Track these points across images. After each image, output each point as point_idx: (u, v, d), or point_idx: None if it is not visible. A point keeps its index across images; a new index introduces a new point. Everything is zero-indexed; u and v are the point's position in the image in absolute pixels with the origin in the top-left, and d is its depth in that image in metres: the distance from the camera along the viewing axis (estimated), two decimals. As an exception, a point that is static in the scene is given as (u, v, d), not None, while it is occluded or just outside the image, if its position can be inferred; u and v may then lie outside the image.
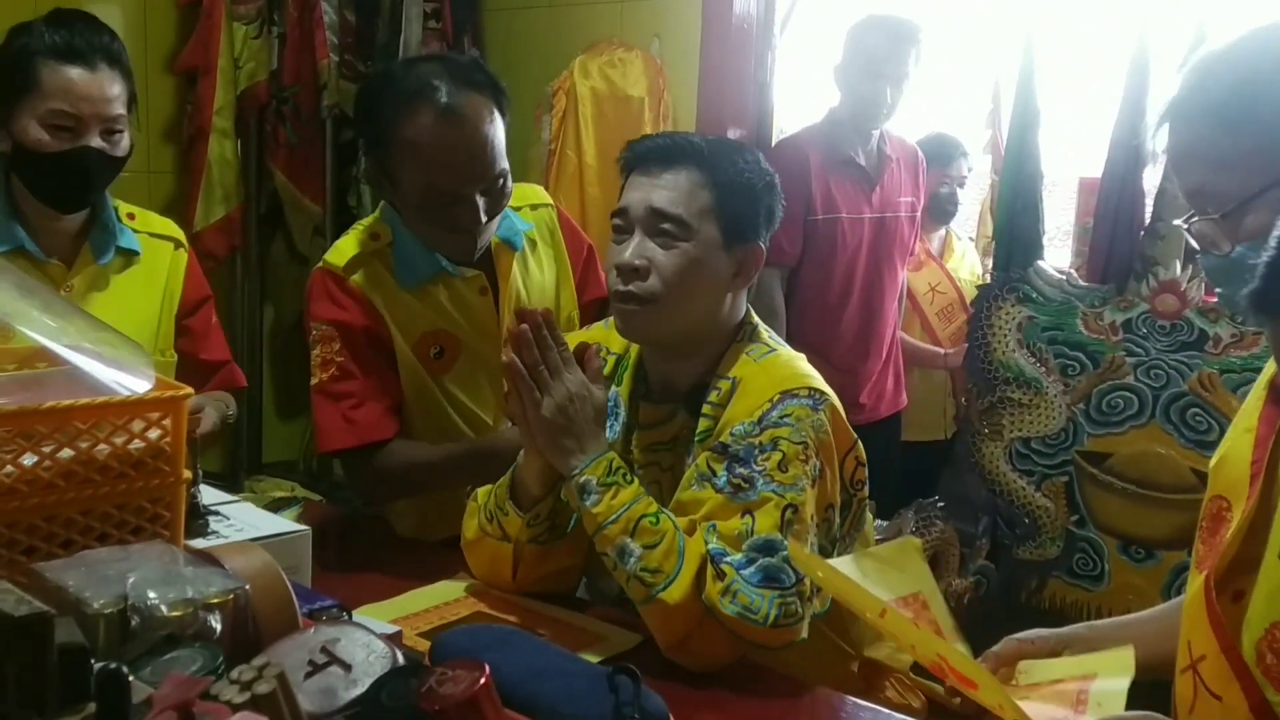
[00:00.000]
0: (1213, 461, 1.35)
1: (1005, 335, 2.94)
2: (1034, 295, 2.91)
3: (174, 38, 3.55)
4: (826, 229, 3.05)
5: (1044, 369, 2.90)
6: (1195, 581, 1.27)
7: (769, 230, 1.68)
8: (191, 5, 3.49)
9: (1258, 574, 1.17)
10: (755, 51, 3.38)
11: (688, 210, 1.59)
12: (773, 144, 3.28)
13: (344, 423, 1.89)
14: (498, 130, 1.86)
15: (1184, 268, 2.76)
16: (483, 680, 0.73)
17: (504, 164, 1.87)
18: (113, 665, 0.66)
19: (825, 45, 3.42)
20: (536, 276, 2.06)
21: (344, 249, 1.96)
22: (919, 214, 3.27)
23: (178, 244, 2.09)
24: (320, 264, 1.96)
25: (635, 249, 1.60)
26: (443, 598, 1.68)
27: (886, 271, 3.17)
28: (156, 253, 2.06)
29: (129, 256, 2.02)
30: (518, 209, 2.03)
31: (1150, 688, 1.36)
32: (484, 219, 1.87)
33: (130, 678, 0.72)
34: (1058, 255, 3.20)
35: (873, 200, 3.10)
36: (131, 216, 2.06)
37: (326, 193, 3.75)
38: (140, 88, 3.45)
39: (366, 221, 2.02)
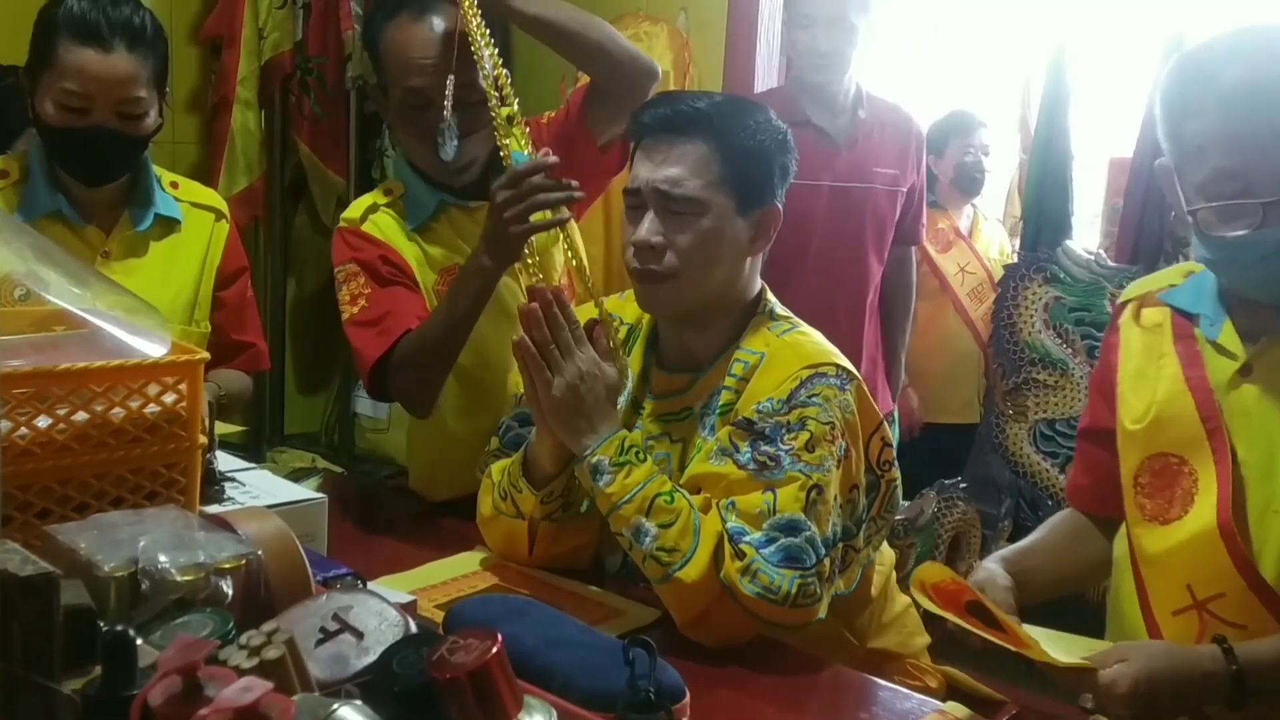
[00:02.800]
0: (1136, 425, 1.45)
1: (1031, 316, 2.91)
2: (1062, 275, 2.88)
3: (198, 7, 3.55)
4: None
5: (1070, 350, 2.87)
6: (1185, 530, 1.36)
7: (784, 186, 1.66)
8: (216, -26, 3.49)
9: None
10: (782, 26, 3.35)
11: (698, 185, 1.57)
12: None
13: (377, 337, 1.91)
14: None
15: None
16: (494, 649, 0.72)
17: (475, 76, 1.85)
18: (119, 628, 0.65)
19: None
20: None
21: (357, 205, 2.05)
22: (911, 192, 2.91)
23: (219, 215, 2.10)
24: (340, 222, 2.04)
25: (649, 227, 1.58)
26: (460, 570, 1.67)
27: (853, 249, 2.84)
28: (198, 222, 2.06)
29: (169, 225, 2.02)
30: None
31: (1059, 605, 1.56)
32: (455, 129, 1.89)
33: (139, 641, 0.71)
34: (1086, 235, 3.14)
35: (836, 167, 2.78)
36: (175, 185, 2.07)
37: (350, 165, 3.75)
38: (164, 58, 3.50)
39: (383, 184, 2.11)
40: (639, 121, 1.63)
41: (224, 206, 2.12)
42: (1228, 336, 1.39)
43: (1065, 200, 2.99)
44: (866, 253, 2.85)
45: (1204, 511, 1.35)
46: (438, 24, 1.90)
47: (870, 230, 2.84)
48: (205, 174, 3.55)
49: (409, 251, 2.00)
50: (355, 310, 1.95)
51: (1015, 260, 3.08)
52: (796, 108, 2.74)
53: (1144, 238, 2.82)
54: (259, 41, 3.51)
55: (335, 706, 0.71)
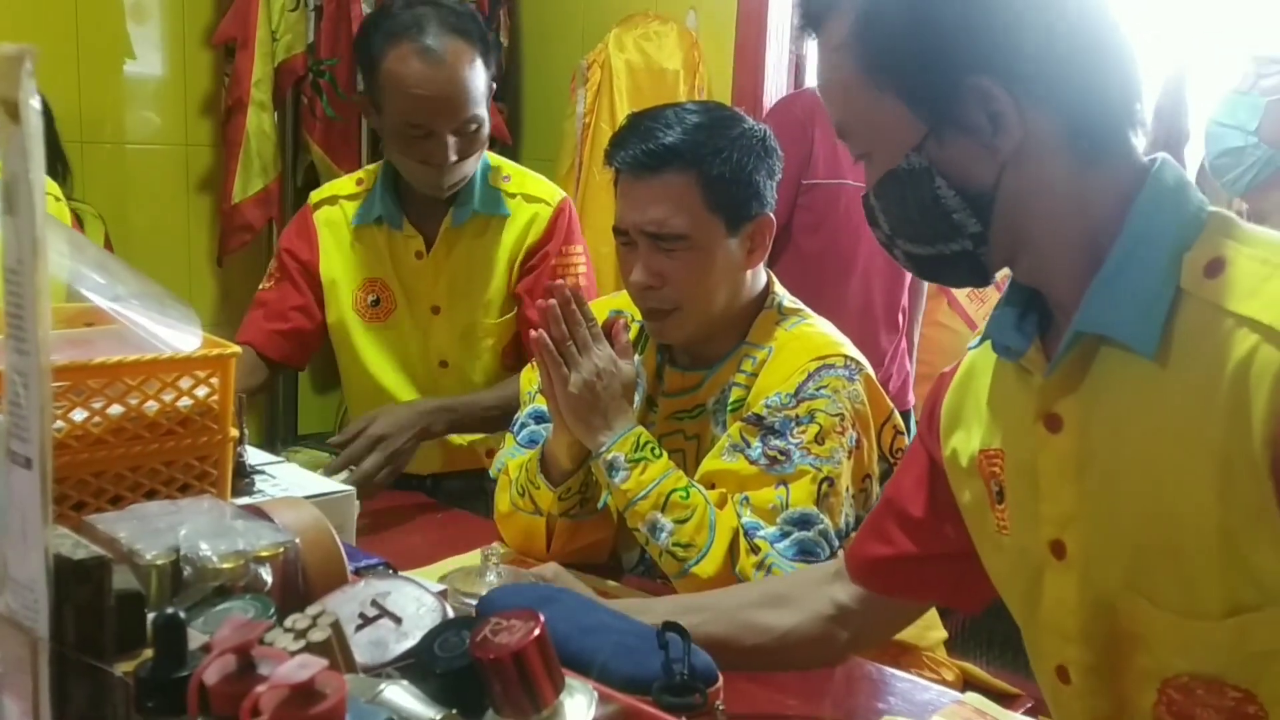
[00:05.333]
0: None
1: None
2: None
3: (211, 11, 3.57)
4: (828, 194, 2.85)
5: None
6: None
7: (773, 188, 1.64)
8: (229, -23, 3.50)
9: None
10: (792, 22, 3.36)
11: (683, 220, 1.55)
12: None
13: (248, 324, 2.15)
14: (477, 77, 1.97)
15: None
16: (537, 630, 0.73)
17: (479, 110, 1.98)
18: (170, 610, 0.66)
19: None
20: (480, 256, 2.12)
21: (327, 187, 2.21)
22: None
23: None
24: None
25: (643, 265, 1.59)
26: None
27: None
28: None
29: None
30: (511, 195, 2.12)
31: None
32: (453, 157, 1.98)
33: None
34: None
35: None
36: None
37: (362, 165, 3.75)
38: (177, 61, 3.52)
39: (367, 168, 2.22)
40: (615, 160, 1.61)
41: (554, 197, 2.15)
42: None
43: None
44: None
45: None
46: (440, 56, 1.93)
47: None
48: (220, 176, 3.58)
49: (343, 253, 2.13)
50: (263, 286, 2.17)
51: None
52: None
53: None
54: (272, 44, 3.52)
55: (382, 686, 0.72)
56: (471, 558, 1.69)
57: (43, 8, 3.22)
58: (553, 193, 2.17)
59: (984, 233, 0.98)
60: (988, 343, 1.08)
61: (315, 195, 2.18)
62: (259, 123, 3.52)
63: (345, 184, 2.19)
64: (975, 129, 0.96)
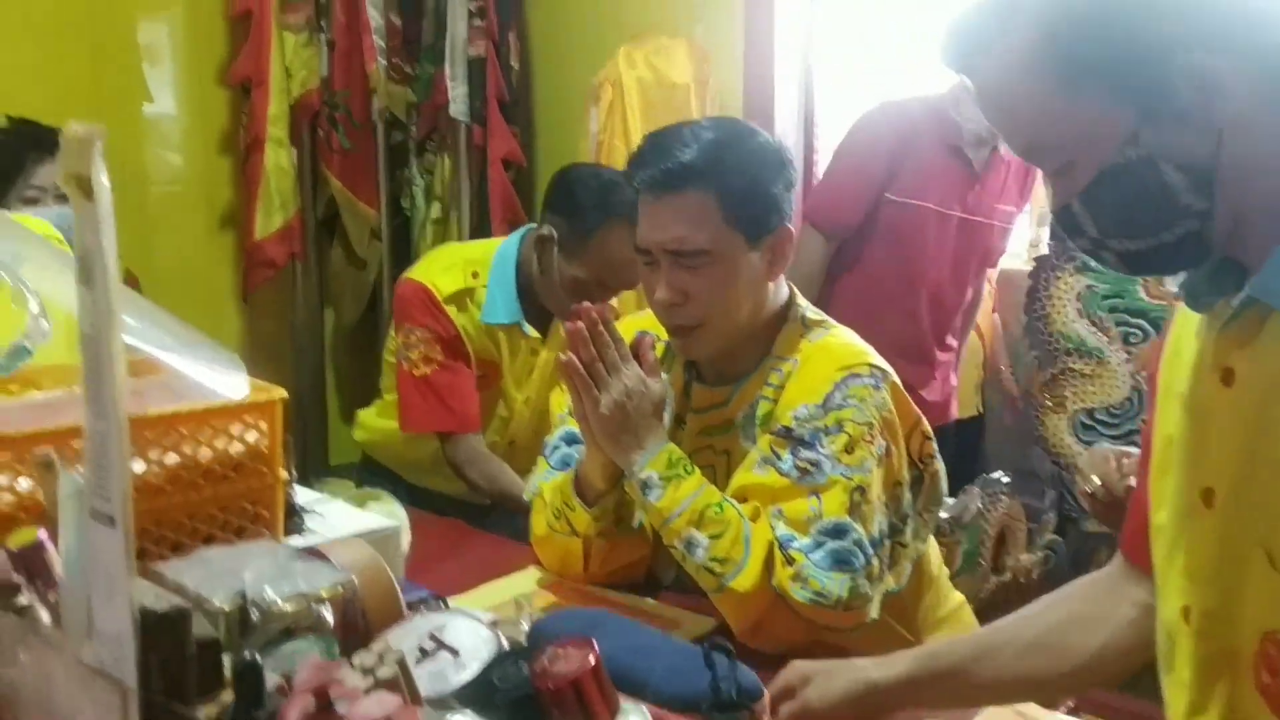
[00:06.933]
0: None
1: (1064, 305, 2.91)
2: (1092, 263, 2.88)
3: (225, 51, 3.60)
4: (904, 212, 2.79)
5: (1106, 338, 2.87)
6: None
7: (790, 199, 1.65)
8: (241, 18, 3.53)
9: None
10: (799, 33, 3.38)
11: (704, 237, 1.57)
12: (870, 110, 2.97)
13: (442, 407, 2.28)
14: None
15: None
16: (592, 658, 0.76)
17: None
18: (248, 655, 0.69)
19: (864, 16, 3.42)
20: None
21: (449, 278, 2.32)
22: (1014, 225, 3.01)
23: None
24: (424, 282, 2.30)
25: (667, 283, 1.60)
26: (518, 589, 1.70)
27: (958, 278, 2.92)
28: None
29: None
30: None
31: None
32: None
33: (260, 667, 0.76)
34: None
35: (967, 200, 2.84)
36: None
37: (381, 196, 3.80)
38: (195, 101, 3.58)
39: (471, 253, 2.39)
40: (634, 181, 1.63)
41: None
42: None
43: (1093, 188, 2.98)
44: (968, 281, 2.96)
45: None
46: None
47: (978, 262, 2.95)
48: (240, 214, 3.62)
49: (469, 338, 2.31)
50: (428, 371, 2.27)
51: (1045, 251, 3.08)
52: (954, 133, 2.77)
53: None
54: (286, 81, 3.57)
55: (451, 715, 0.75)
56: (513, 582, 1.72)
57: (62, 54, 3.27)
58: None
59: (1209, 208, 0.98)
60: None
61: (440, 287, 2.30)
62: (277, 159, 3.56)
63: (462, 275, 2.32)
64: (1187, 106, 0.95)
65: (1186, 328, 1.12)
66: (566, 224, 2.22)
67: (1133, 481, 1.40)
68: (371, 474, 2.49)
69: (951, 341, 3.02)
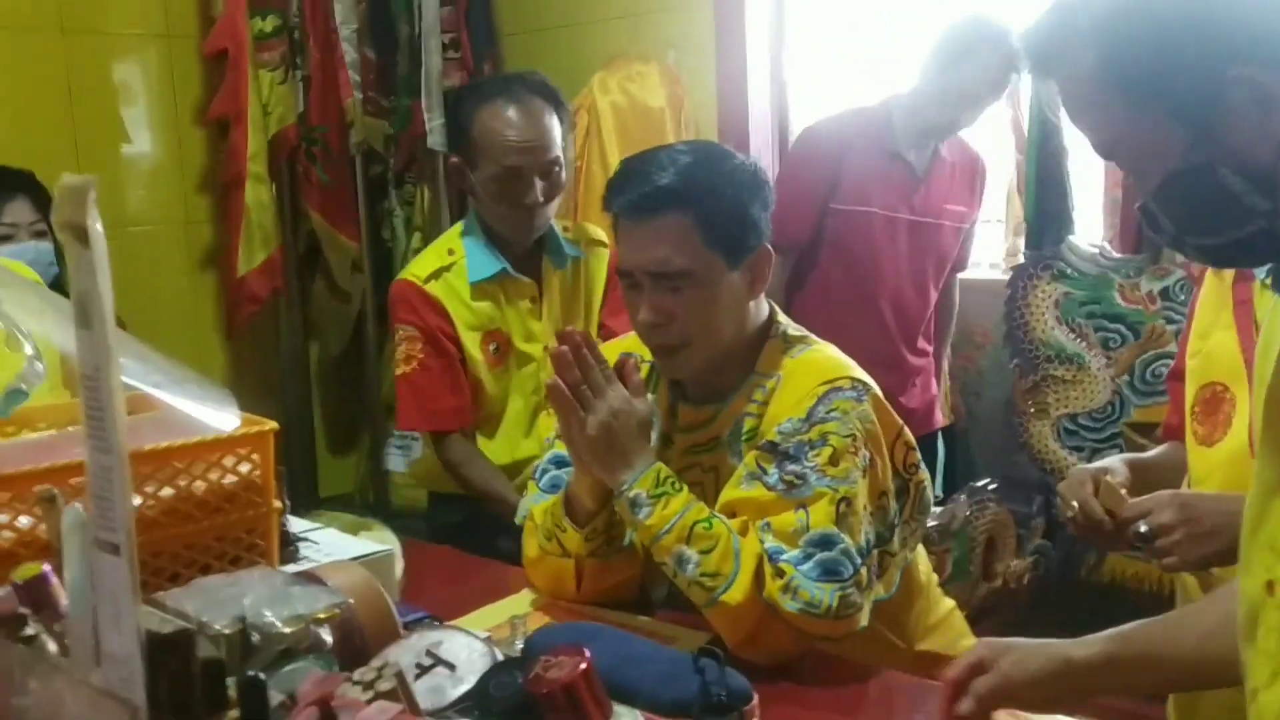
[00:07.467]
0: (1193, 361, 1.55)
1: (1043, 313, 2.95)
2: (1069, 271, 2.92)
3: (201, 89, 3.63)
4: (854, 220, 2.83)
5: (1085, 344, 2.90)
6: (1224, 450, 1.42)
7: (767, 219, 1.68)
8: (216, 57, 3.56)
9: None
10: (770, 52, 3.43)
11: (685, 259, 1.59)
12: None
13: (419, 409, 2.32)
14: (554, 127, 2.29)
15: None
16: (584, 664, 0.78)
17: (559, 154, 2.28)
18: (252, 673, 0.71)
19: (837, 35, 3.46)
20: (576, 297, 2.42)
21: (424, 263, 2.36)
22: (971, 227, 3.02)
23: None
24: (405, 276, 2.35)
25: (650, 304, 1.62)
26: (513, 611, 1.70)
27: (918, 281, 2.94)
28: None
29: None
30: (575, 241, 2.41)
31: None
32: (540, 199, 2.24)
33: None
34: (1090, 229, 3.17)
35: (913, 202, 2.86)
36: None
37: (361, 228, 3.83)
38: (172, 140, 3.60)
39: (442, 241, 2.42)
40: (613, 206, 1.65)
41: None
42: None
43: (1065, 196, 3.01)
44: (928, 284, 2.96)
45: (1239, 431, 1.42)
46: (526, 108, 2.24)
47: (934, 263, 2.95)
48: (221, 251, 3.64)
49: (463, 315, 2.31)
50: (409, 369, 2.30)
51: (1022, 260, 3.12)
52: (889, 138, 2.82)
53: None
54: (264, 117, 3.59)
55: (452, 727, 0.77)
56: (507, 605, 1.74)
57: (39, 96, 3.29)
58: (603, 234, 2.42)
59: (1275, 208, 1.01)
60: None
61: (417, 274, 2.33)
62: (257, 195, 3.59)
63: (437, 257, 2.36)
64: (1244, 119, 0.98)
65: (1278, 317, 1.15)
66: (457, 142, 2.34)
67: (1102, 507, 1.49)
68: (444, 506, 2.50)
69: (925, 346, 3.03)
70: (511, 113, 2.24)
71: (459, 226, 2.40)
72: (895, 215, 2.86)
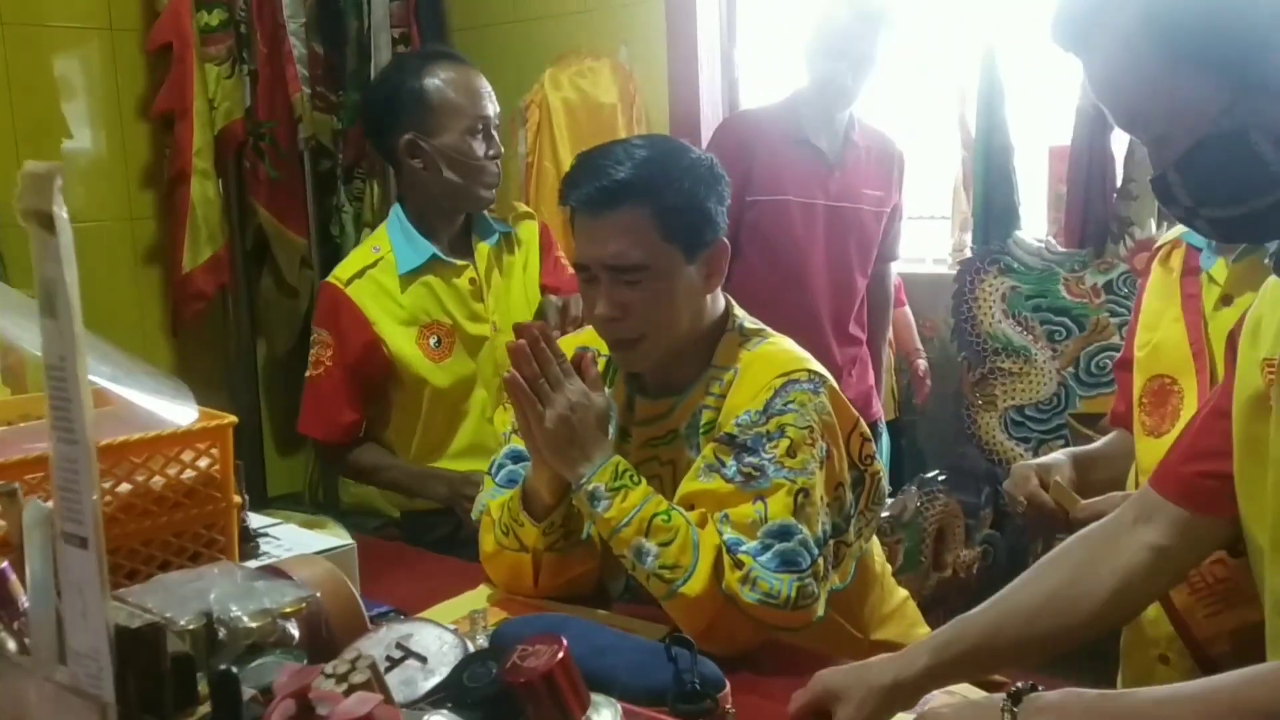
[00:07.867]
0: (1141, 352, 1.57)
1: (990, 307, 2.99)
2: (1015, 265, 2.96)
3: (145, 84, 3.58)
4: (771, 209, 2.83)
5: (1031, 337, 2.94)
6: (1171, 440, 1.37)
7: (723, 213, 1.69)
8: (160, 51, 3.51)
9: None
10: (722, 49, 3.44)
11: (642, 252, 1.59)
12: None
13: (316, 415, 2.29)
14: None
15: (1159, 225, 2.81)
16: (561, 653, 0.78)
17: (497, 108, 2.30)
18: (224, 667, 0.70)
19: (788, 26, 3.48)
20: (511, 269, 2.38)
21: (348, 264, 2.29)
22: (893, 212, 2.99)
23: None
24: (329, 279, 2.28)
25: (606, 299, 1.62)
26: (470, 607, 1.69)
27: (842, 266, 2.92)
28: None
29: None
30: (501, 218, 2.39)
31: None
32: (493, 151, 2.26)
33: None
34: (1035, 224, 3.22)
35: (829, 187, 2.86)
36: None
37: (310, 224, 3.80)
38: (115, 136, 3.54)
39: (368, 240, 2.36)
40: (570, 199, 1.65)
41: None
42: (1218, 268, 1.48)
43: (1011, 192, 3.05)
44: (853, 270, 2.93)
45: (1185, 423, 1.42)
46: (465, 64, 2.30)
47: (856, 248, 2.92)
48: (167, 247, 3.59)
49: (392, 314, 2.24)
50: (316, 374, 2.27)
51: (969, 255, 3.16)
52: (797, 127, 2.82)
53: (1090, 221, 2.89)
54: (210, 112, 3.55)
55: (428, 717, 0.77)
56: (465, 601, 1.73)
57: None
58: (521, 206, 2.48)
59: None
60: None
61: (340, 276, 2.26)
62: (203, 191, 3.54)
63: (361, 256, 2.31)
64: None
65: (1275, 298, 1.15)
66: (398, 123, 2.24)
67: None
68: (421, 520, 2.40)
69: (856, 333, 3.00)
70: (459, 71, 2.25)
71: (384, 224, 2.35)
72: (812, 202, 2.84)
